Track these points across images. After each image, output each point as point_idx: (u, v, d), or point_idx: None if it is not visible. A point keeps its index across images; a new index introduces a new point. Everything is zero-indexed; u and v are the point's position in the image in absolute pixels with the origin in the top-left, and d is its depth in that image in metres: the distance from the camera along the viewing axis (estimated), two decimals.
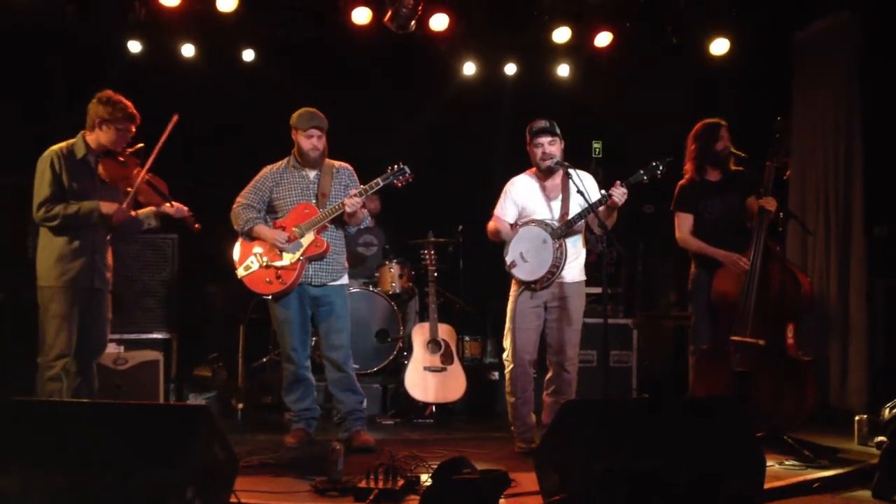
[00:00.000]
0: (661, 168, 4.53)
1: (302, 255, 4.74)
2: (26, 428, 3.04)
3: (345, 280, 4.99)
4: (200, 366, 6.17)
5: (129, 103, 4.41)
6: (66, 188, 4.33)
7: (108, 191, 4.42)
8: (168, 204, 4.58)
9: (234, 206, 4.88)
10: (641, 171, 4.55)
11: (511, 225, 4.84)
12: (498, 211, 4.88)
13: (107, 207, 4.33)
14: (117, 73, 6.24)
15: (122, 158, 4.46)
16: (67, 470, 2.87)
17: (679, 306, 6.91)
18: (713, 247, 5.00)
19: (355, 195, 4.67)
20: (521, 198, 4.83)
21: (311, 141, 4.79)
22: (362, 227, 5.01)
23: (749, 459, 3.26)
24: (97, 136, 4.41)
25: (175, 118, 4.44)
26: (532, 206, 4.81)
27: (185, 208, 4.63)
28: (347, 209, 4.66)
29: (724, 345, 4.85)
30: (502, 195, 4.90)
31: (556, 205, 4.78)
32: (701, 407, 3.72)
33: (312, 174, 4.89)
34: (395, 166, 4.75)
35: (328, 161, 4.92)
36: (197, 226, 4.68)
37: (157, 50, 6.65)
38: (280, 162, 4.95)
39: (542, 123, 4.72)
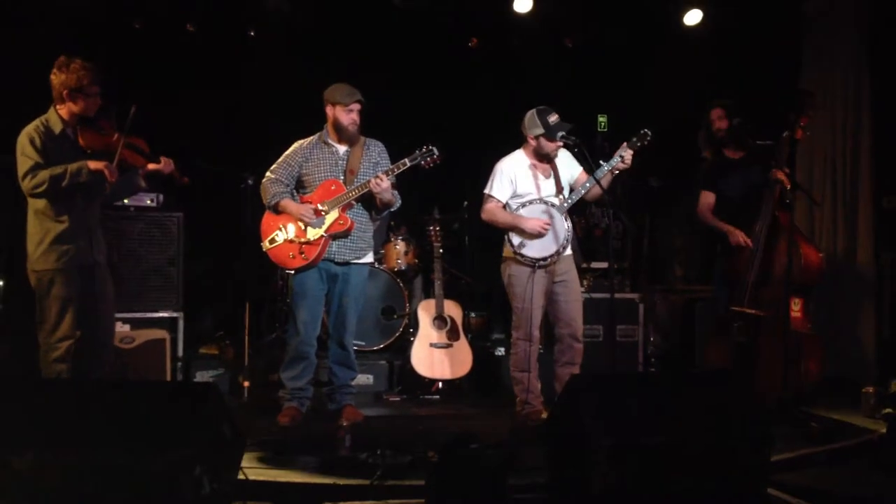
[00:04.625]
0: (638, 143, 4.64)
1: (325, 231, 4.74)
2: (36, 408, 3.05)
3: (369, 258, 5.02)
4: (207, 344, 6.18)
5: (89, 64, 4.21)
6: (52, 164, 4.16)
7: (94, 160, 4.23)
8: (154, 163, 4.43)
9: (264, 179, 4.91)
10: (623, 146, 4.66)
11: (503, 205, 4.86)
12: (495, 192, 4.86)
13: (95, 164, 4.14)
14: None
15: (100, 124, 4.29)
16: (77, 449, 2.88)
17: (686, 280, 6.90)
18: (736, 223, 5.06)
19: (382, 177, 4.66)
20: (516, 176, 4.85)
21: (351, 115, 4.80)
22: (393, 209, 4.98)
23: (756, 432, 3.26)
24: (68, 107, 4.22)
25: (133, 109, 4.24)
26: (525, 184, 4.84)
27: (170, 161, 4.46)
28: (373, 188, 4.65)
29: (733, 318, 4.86)
30: (495, 175, 4.89)
31: (550, 182, 4.86)
32: (708, 380, 3.72)
33: (342, 150, 4.89)
34: (424, 147, 4.72)
35: (360, 137, 4.92)
36: (185, 179, 4.55)
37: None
38: (311, 137, 4.95)
39: (559, 119, 4.74)
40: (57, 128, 4.23)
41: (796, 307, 4.79)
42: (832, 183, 6.22)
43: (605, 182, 4.70)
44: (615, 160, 4.64)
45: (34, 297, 4.29)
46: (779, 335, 4.68)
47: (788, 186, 4.91)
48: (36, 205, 4.23)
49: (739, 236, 5.02)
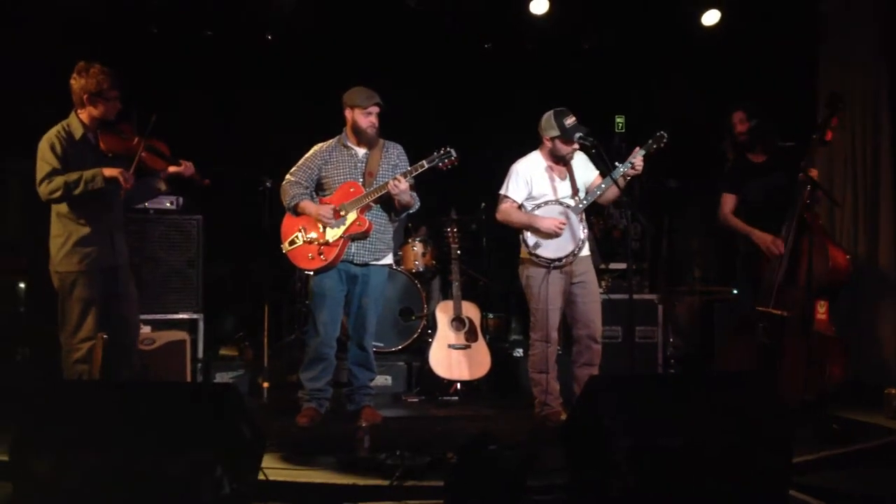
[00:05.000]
0: (654, 145, 4.66)
1: (344, 233, 4.77)
2: (57, 409, 3.07)
3: (388, 260, 5.04)
4: (227, 345, 6.21)
5: (108, 69, 4.28)
6: (72, 170, 4.21)
7: (113, 164, 4.27)
8: (174, 166, 4.50)
9: (284, 181, 4.94)
10: (639, 147, 4.68)
11: (518, 206, 4.87)
12: (510, 192, 4.87)
13: (110, 171, 4.19)
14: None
15: (121, 128, 4.35)
16: (98, 450, 2.89)
17: (704, 281, 6.87)
18: (756, 227, 5.03)
19: (401, 179, 4.67)
20: (531, 177, 4.86)
21: (370, 118, 4.83)
22: (412, 211, 5.00)
23: (777, 433, 3.24)
24: (89, 112, 4.29)
25: (154, 117, 4.29)
26: (541, 186, 4.85)
27: (190, 164, 4.53)
28: (391, 190, 4.67)
29: (758, 318, 4.84)
30: (511, 175, 4.91)
31: (566, 184, 4.88)
32: (728, 381, 3.70)
33: (361, 153, 4.92)
34: (442, 149, 4.74)
35: (379, 140, 4.95)
36: (206, 181, 4.61)
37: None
38: (331, 140, 4.98)
39: (576, 122, 4.74)
40: (78, 132, 4.28)
41: (822, 309, 4.75)
42: (853, 184, 6.17)
43: (610, 194, 4.80)
44: (626, 166, 4.64)
45: (55, 299, 4.34)
46: (803, 337, 4.65)
47: (809, 188, 4.88)
48: (58, 208, 4.28)
49: (769, 241, 4.96)
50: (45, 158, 4.20)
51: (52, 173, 4.17)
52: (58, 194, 4.16)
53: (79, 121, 4.29)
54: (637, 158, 4.63)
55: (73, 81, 4.27)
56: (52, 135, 4.25)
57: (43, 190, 4.19)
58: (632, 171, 4.65)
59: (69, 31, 6.06)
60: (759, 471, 3.14)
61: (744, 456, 3.12)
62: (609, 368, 5.12)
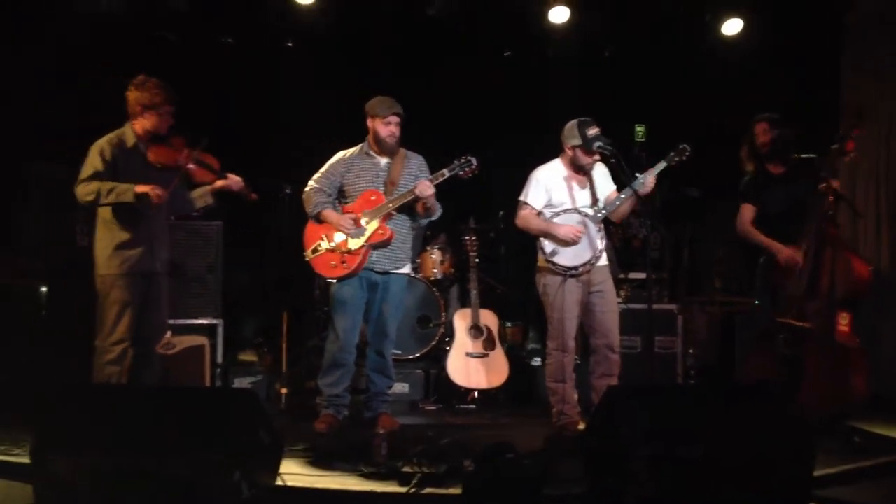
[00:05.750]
0: (676, 157, 4.66)
1: (366, 241, 4.79)
2: (77, 412, 3.10)
3: (407, 269, 5.07)
4: (246, 351, 6.23)
5: (164, 84, 4.46)
6: (120, 177, 4.37)
7: (160, 176, 4.44)
8: (222, 180, 4.66)
9: (307, 188, 4.97)
10: (663, 160, 4.68)
11: (537, 213, 4.86)
12: (530, 199, 4.87)
13: (142, 188, 4.32)
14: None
15: (172, 141, 4.53)
16: (117, 453, 2.92)
17: (725, 292, 6.83)
18: (775, 238, 4.99)
19: (428, 183, 4.70)
20: (551, 185, 4.85)
21: (389, 128, 4.85)
22: (433, 217, 5.03)
23: (799, 446, 3.21)
24: (142, 123, 4.47)
25: (205, 141, 4.51)
26: (560, 194, 4.85)
27: (239, 179, 4.69)
28: (417, 193, 4.70)
29: (778, 330, 4.80)
30: (531, 182, 4.91)
31: (586, 193, 4.87)
32: (749, 392, 3.67)
33: (383, 162, 4.95)
34: (462, 158, 4.76)
35: (401, 149, 4.97)
36: (253, 196, 4.76)
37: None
38: (354, 148, 5.01)
39: (599, 132, 4.72)
40: (130, 141, 4.46)
41: (844, 321, 4.70)
42: (875, 195, 6.12)
43: (627, 206, 4.80)
44: (636, 185, 4.60)
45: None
46: (825, 348, 4.61)
47: (831, 198, 4.85)
48: (103, 213, 4.44)
49: (788, 254, 4.90)
50: (92, 161, 4.37)
51: (93, 176, 4.33)
52: (90, 198, 4.32)
53: (132, 131, 4.48)
54: (649, 178, 4.59)
55: (129, 93, 4.46)
56: (104, 140, 4.43)
57: (80, 191, 4.34)
58: (642, 191, 4.60)
59: (91, 39, 6.14)
60: (779, 483, 3.11)
61: (764, 468, 3.10)
62: (628, 379, 5.08)
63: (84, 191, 4.32)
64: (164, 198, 4.36)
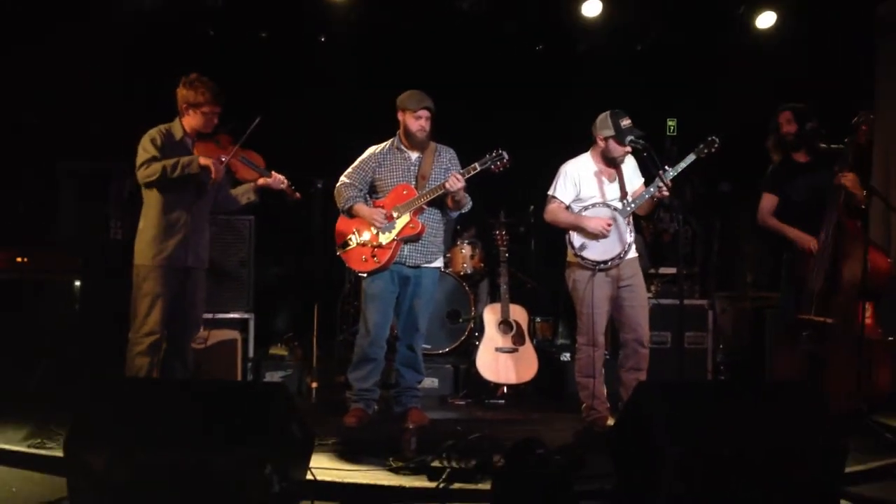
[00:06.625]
0: (706, 150, 4.63)
1: (397, 235, 4.81)
2: (111, 405, 3.15)
3: (439, 262, 5.07)
4: (277, 345, 6.28)
5: (212, 84, 4.52)
6: None
7: (204, 171, 4.48)
8: (265, 177, 4.71)
9: (338, 183, 5.00)
10: (691, 153, 4.64)
11: (566, 207, 4.85)
12: (558, 193, 4.86)
13: (205, 160, 4.41)
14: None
15: (217, 137, 4.61)
16: (149, 446, 2.95)
17: (756, 287, 6.77)
18: (799, 227, 4.95)
19: (460, 177, 4.71)
20: (580, 179, 4.84)
21: (419, 122, 4.86)
22: (464, 211, 5.03)
23: (829, 443, 3.18)
24: (188, 120, 4.55)
25: (258, 120, 4.52)
26: (590, 188, 4.83)
27: (283, 178, 4.74)
28: (448, 187, 4.70)
29: (801, 326, 4.77)
30: (560, 176, 4.89)
31: (615, 186, 4.85)
32: (779, 389, 3.65)
33: (414, 156, 4.96)
34: (494, 151, 4.75)
35: (431, 143, 4.98)
36: (297, 195, 4.82)
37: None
38: (384, 143, 5.03)
39: (631, 124, 4.70)
40: (178, 135, 4.56)
41: (867, 314, 4.66)
42: None
43: (645, 208, 4.81)
44: (652, 189, 4.61)
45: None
46: (848, 343, 4.57)
47: (854, 192, 4.80)
48: (147, 203, 4.51)
49: (806, 240, 4.93)
50: (145, 148, 4.46)
51: (151, 160, 4.42)
52: (155, 177, 4.39)
53: (181, 125, 4.56)
54: (666, 181, 4.54)
55: (178, 90, 4.54)
56: (154, 131, 4.53)
57: (141, 174, 4.43)
58: (659, 195, 4.62)
59: (122, 37, 6.21)
60: (810, 480, 3.09)
61: (794, 465, 3.08)
62: (657, 374, 5.07)
63: (146, 172, 4.39)
64: (221, 174, 4.47)
